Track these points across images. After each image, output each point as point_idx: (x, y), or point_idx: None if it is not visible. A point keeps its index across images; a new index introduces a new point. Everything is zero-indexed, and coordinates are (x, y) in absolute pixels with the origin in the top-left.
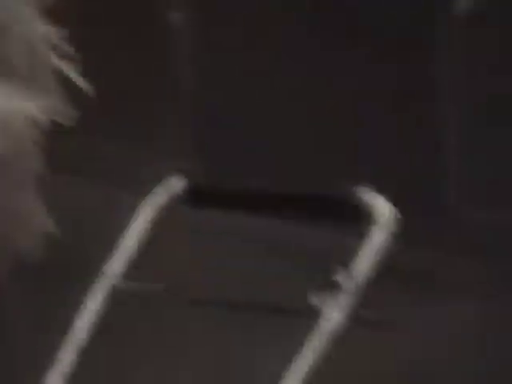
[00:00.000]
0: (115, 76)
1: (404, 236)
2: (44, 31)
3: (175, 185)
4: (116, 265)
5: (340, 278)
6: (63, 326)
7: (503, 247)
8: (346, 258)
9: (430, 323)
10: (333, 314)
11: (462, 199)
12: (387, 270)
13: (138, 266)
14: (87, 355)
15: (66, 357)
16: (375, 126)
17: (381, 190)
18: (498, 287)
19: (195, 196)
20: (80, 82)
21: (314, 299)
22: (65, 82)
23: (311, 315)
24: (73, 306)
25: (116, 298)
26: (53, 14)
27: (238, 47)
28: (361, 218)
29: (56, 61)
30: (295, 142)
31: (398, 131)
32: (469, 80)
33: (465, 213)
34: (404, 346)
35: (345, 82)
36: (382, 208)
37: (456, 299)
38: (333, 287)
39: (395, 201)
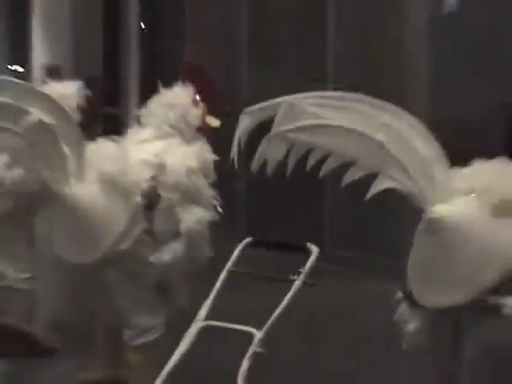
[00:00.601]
0: None
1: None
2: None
3: (247, 240)
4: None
5: (301, 270)
6: None
7: None
8: (303, 264)
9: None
10: (297, 282)
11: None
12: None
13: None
14: None
15: None
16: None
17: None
18: None
19: (255, 244)
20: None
21: (292, 277)
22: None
23: (290, 282)
24: None
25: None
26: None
27: None
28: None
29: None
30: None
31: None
32: None
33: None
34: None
35: None
36: (314, 249)
37: None
38: (299, 273)
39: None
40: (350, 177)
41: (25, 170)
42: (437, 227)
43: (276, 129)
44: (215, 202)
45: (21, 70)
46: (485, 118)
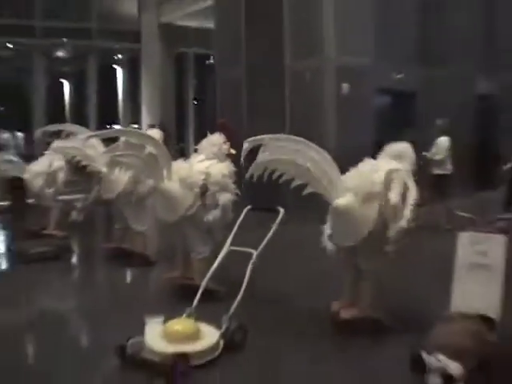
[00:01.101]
0: None
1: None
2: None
3: (248, 207)
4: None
5: (274, 224)
6: None
7: None
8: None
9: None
10: (273, 227)
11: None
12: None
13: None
14: None
15: None
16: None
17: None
18: None
19: (252, 209)
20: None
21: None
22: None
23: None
24: None
25: None
26: None
27: None
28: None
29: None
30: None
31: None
32: None
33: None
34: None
35: None
36: (281, 210)
37: None
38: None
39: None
40: (294, 183)
41: (143, 178)
42: (337, 210)
43: (258, 159)
44: (235, 190)
45: (135, 126)
46: (364, 148)
